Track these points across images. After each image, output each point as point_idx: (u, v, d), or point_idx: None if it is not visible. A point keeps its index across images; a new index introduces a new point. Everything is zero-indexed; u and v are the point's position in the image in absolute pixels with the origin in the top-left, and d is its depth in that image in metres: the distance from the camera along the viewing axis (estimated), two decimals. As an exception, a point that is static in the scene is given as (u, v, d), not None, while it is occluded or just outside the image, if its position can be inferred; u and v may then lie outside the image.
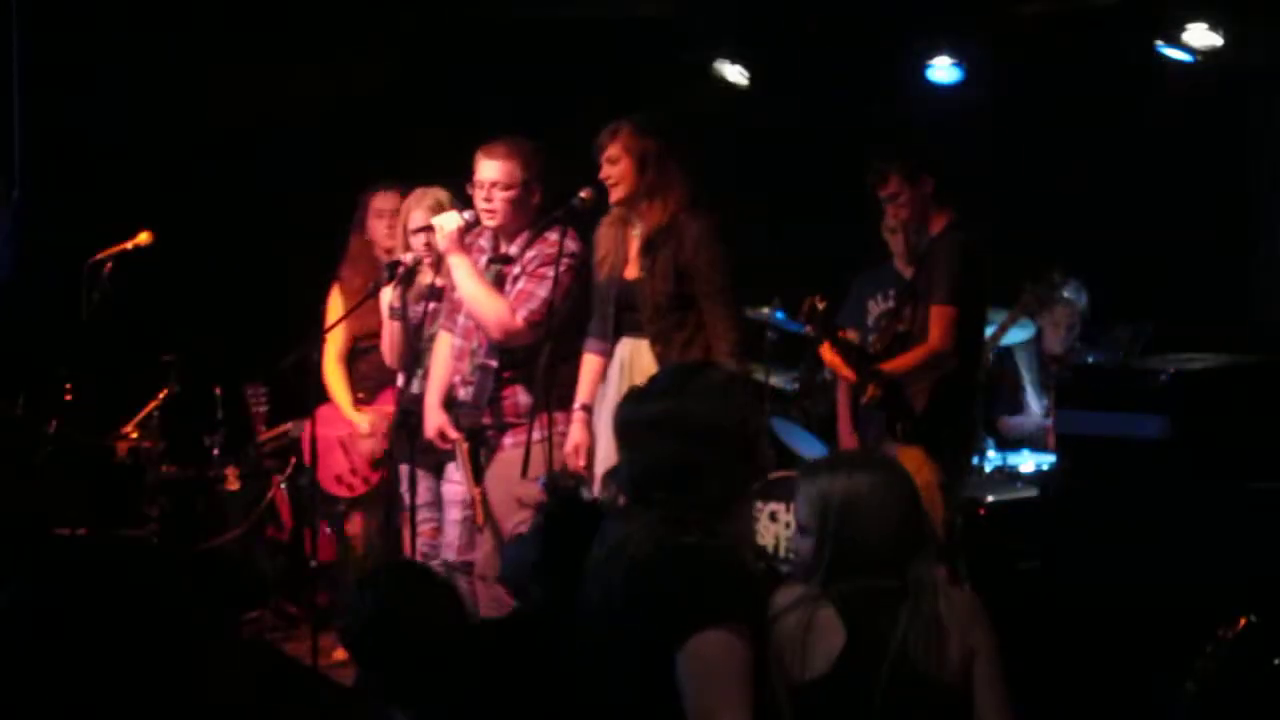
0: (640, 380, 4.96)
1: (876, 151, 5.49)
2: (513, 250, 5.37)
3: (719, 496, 3.09)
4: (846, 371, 5.53)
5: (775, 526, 6.32)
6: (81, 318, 6.26)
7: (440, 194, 5.81)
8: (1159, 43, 6.61)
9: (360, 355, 6.40)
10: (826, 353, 5.61)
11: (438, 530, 5.75)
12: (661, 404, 3.17)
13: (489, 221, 5.35)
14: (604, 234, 5.29)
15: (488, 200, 5.31)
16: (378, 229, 6.27)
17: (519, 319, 5.25)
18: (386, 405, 6.19)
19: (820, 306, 5.37)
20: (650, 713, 3.00)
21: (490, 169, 5.30)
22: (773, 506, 6.32)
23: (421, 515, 5.77)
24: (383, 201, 6.27)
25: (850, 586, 3.18)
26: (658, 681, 2.98)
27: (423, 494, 5.75)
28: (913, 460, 4.96)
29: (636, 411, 3.21)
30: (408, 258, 5.62)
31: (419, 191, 5.86)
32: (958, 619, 3.12)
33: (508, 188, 5.29)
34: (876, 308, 5.84)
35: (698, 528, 3.05)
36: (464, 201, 5.48)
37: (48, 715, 2.97)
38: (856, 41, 7.20)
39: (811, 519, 3.26)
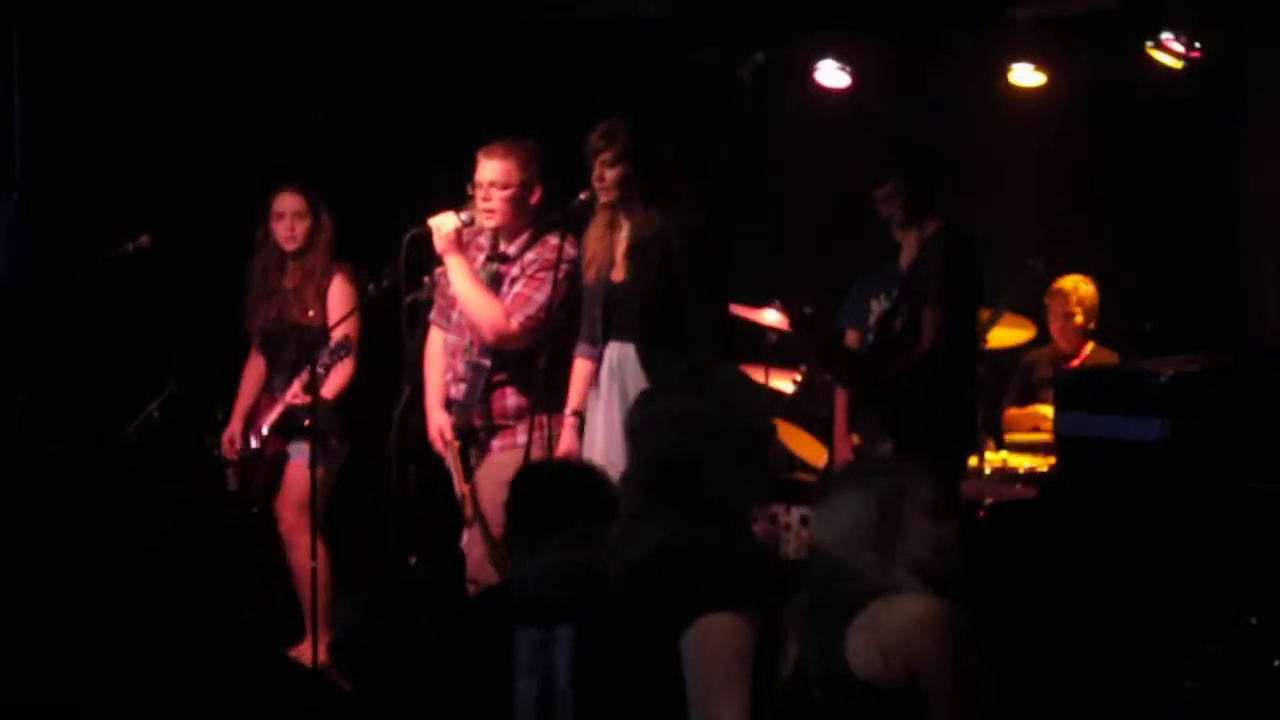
0: (631, 384, 5.04)
1: (874, 153, 5.50)
2: (511, 250, 5.38)
3: (727, 495, 3.12)
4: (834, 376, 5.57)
5: (774, 529, 6.31)
6: (82, 317, 6.26)
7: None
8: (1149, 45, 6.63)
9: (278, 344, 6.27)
10: (816, 358, 5.64)
11: None
12: (672, 402, 3.21)
13: (488, 221, 5.36)
14: (592, 236, 5.26)
15: (486, 200, 5.32)
16: (278, 230, 6.22)
17: (514, 323, 5.25)
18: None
19: (808, 313, 5.38)
20: (659, 707, 3.01)
21: (489, 169, 5.31)
22: (773, 509, 6.31)
23: None
24: (281, 203, 6.21)
25: (813, 592, 3.23)
26: (665, 674, 2.99)
27: None
28: None
29: (649, 411, 3.26)
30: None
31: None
32: (897, 626, 3.12)
33: (505, 187, 5.30)
34: (879, 307, 5.83)
35: (709, 525, 3.08)
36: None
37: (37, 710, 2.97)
38: (862, 40, 7.21)
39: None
